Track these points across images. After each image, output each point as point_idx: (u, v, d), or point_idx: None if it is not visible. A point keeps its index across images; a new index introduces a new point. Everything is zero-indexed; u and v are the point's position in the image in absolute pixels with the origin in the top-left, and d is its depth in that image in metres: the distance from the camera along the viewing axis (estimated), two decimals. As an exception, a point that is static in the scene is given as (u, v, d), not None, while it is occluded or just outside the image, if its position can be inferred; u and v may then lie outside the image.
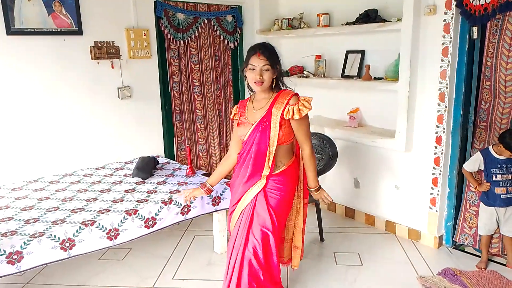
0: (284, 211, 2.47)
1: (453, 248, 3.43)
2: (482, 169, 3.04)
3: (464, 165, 3.14)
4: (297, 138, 2.39)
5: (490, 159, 2.99)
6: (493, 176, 2.98)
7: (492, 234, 3.13)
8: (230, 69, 4.65)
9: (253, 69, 2.25)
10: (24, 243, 2.29)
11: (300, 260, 2.75)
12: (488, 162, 2.99)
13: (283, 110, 2.27)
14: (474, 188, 3.14)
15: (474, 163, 3.07)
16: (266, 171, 2.35)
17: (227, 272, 2.46)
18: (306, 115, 2.32)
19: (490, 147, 3.02)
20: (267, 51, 2.26)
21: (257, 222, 2.37)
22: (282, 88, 2.40)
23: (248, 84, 2.36)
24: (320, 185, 2.54)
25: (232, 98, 4.74)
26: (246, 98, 2.49)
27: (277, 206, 2.39)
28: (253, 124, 2.34)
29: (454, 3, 2.99)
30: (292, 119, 2.29)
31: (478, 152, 3.08)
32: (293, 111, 2.26)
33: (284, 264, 2.74)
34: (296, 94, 2.33)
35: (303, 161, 2.47)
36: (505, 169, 2.96)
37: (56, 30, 3.30)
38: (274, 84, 2.34)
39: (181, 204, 2.92)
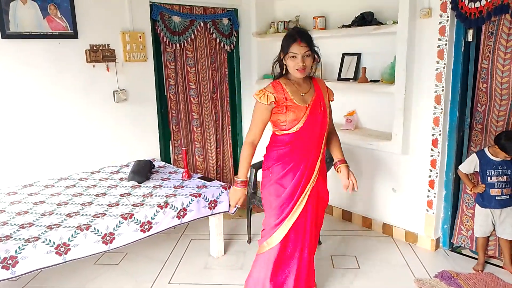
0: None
1: (450, 250, 3.43)
2: (478, 170, 3.05)
3: (459, 167, 3.15)
4: (330, 120, 2.50)
5: (486, 160, 2.99)
6: (488, 177, 2.98)
7: (489, 236, 3.13)
8: (227, 72, 4.65)
9: (294, 57, 2.23)
10: (19, 247, 2.27)
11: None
12: (483, 164, 3.00)
13: (327, 92, 2.45)
14: (470, 189, 3.14)
15: (470, 164, 3.07)
16: (321, 155, 2.42)
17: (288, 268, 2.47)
18: None
19: (486, 149, 3.02)
20: (306, 37, 2.25)
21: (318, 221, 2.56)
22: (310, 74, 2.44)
23: (281, 72, 2.35)
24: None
25: (228, 101, 4.74)
26: (269, 84, 2.34)
27: (325, 186, 2.55)
28: (307, 108, 2.29)
29: (449, 6, 3.00)
30: (331, 101, 2.48)
31: (474, 153, 3.08)
32: (332, 93, 2.50)
33: None
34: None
35: (335, 140, 2.55)
36: (500, 170, 2.97)
37: (51, 33, 3.28)
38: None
39: (177, 208, 2.91)
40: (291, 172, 2.34)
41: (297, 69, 2.24)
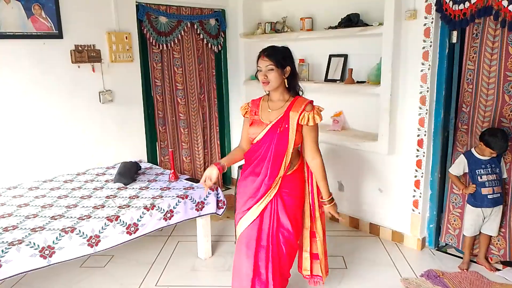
0: (299, 209, 2.53)
1: (436, 250, 3.47)
2: (467, 171, 3.08)
3: (449, 169, 3.18)
4: (307, 146, 2.41)
5: (474, 160, 3.03)
6: (478, 177, 3.01)
7: (476, 235, 3.17)
8: (214, 73, 4.64)
9: (260, 71, 2.34)
10: (2, 251, 2.23)
11: (326, 276, 2.70)
12: (472, 164, 3.03)
13: (300, 115, 2.33)
14: (461, 191, 3.16)
15: (459, 166, 3.11)
16: (281, 172, 2.39)
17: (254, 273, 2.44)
18: (317, 124, 2.38)
19: (473, 149, 3.06)
20: (272, 52, 2.34)
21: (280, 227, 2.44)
22: (299, 94, 2.46)
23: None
24: (332, 197, 2.50)
25: (216, 102, 4.72)
26: (258, 97, 2.54)
27: (293, 206, 2.46)
28: (267, 125, 2.37)
29: (434, 8, 3.03)
30: (306, 125, 2.34)
31: (461, 154, 3.12)
32: (308, 117, 2.32)
33: (306, 278, 2.73)
34: (311, 102, 2.39)
35: (314, 171, 2.47)
36: (489, 169, 3.00)
37: (35, 33, 3.24)
38: (288, 86, 2.39)
39: (163, 210, 2.89)
40: (250, 176, 2.45)
41: (262, 82, 2.36)
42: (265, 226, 2.42)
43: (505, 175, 3.05)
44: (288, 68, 2.35)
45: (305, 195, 2.58)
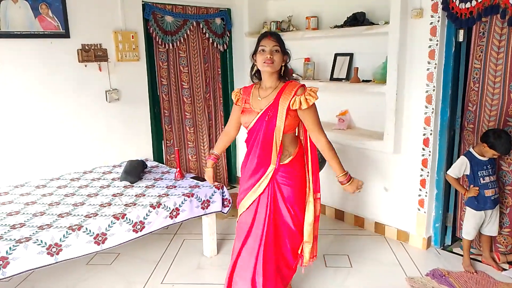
0: (300, 200, 2.49)
1: (441, 249, 3.46)
2: (467, 173, 3.05)
3: (448, 172, 3.13)
4: (309, 128, 2.38)
5: (475, 161, 3.00)
6: (481, 178, 2.98)
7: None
8: (220, 72, 4.65)
9: (263, 50, 2.30)
10: (10, 248, 2.25)
11: (313, 259, 2.65)
12: (474, 165, 3.00)
13: (290, 100, 2.28)
14: (463, 194, 3.13)
15: (460, 167, 3.05)
16: (274, 159, 2.36)
17: (233, 267, 2.49)
18: (314, 105, 2.33)
19: (472, 150, 3.03)
20: (277, 36, 2.34)
21: (281, 221, 2.44)
22: (288, 79, 2.43)
23: (253, 73, 2.45)
24: (347, 173, 2.40)
25: (221, 101, 4.73)
26: (250, 84, 2.54)
27: (293, 197, 2.44)
28: (258, 113, 2.36)
29: (440, 6, 3.02)
30: (300, 109, 2.30)
31: (462, 156, 3.09)
32: (300, 101, 2.27)
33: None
34: (303, 85, 2.35)
35: (323, 152, 2.42)
36: (490, 170, 2.98)
37: (42, 33, 3.26)
38: (282, 72, 2.38)
39: (169, 208, 2.90)
40: (249, 158, 2.47)
41: (264, 62, 2.28)
42: (260, 215, 2.42)
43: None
44: (286, 57, 2.36)
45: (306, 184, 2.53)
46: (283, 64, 2.37)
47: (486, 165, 2.97)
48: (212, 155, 2.72)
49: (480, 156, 2.97)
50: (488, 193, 2.98)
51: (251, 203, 2.44)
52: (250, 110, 2.41)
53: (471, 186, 3.05)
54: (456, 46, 3.14)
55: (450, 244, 3.49)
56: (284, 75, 2.41)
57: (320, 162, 3.42)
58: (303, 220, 2.53)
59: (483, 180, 2.98)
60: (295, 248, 2.55)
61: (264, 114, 2.34)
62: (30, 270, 2.35)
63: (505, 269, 3.08)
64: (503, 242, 3.16)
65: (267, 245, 2.42)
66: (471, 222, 3.08)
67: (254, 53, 2.38)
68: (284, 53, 2.34)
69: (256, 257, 2.42)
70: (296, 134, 2.51)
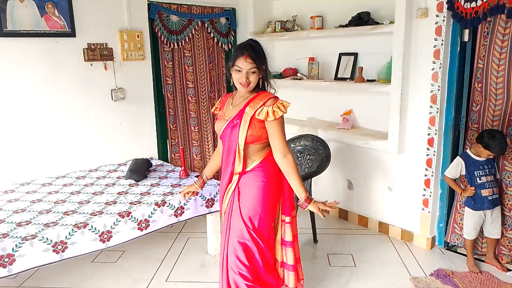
0: (266, 208, 2.27)
1: (446, 249, 3.46)
2: (464, 174, 3.05)
3: (445, 172, 3.14)
4: (272, 143, 2.24)
5: (471, 162, 3.01)
6: (477, 178, 2.99)
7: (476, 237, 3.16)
8: (224, 71, 4.66)
9: (239, 71, 2.18)
10: (16, 245, 2.27)
11: (301, 283, 2.49)
12: (469, 165, 3.01)
13: (257, 109, 2.18)
14: (460, 194, 3.15)
15: (456, 168, 3.07)
16: (238, 169, 2.27)
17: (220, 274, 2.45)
18: (281, 119, 2.20)
19: (468, 150, 3.04)
20: (254, 53, 2.18)
21: (234, 233, 2.27)
22: (266, 89, 2.32)
23: (233, 82, 2.29)
24: (309, 195, 2.23)
25: (226, 100, 4.74)
26: (230, 93, 2.47)
27: (248, 207, 2.26)
28: (227, 121, 2.29)
29: (445, 6, 3.02)
30: (266, 121, 2.18)
31: (458, 157, 3.10)
32: (267, 112, 2.16)
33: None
34: (275, 97, 2.23)
35: (284, 170, 2.25)
36: (487, 170, 2.99)
37: (49, 32, 3.29)
38: (261, 85, 2.29)
39: (174, 206, 2.92)
40: (222, 167, 2.43)
41: (240, 83, 2.21)
42: (223, 229, 2.37)
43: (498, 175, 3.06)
44: (264, 67, 2.22)
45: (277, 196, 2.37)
46: (260, 77, 2.25)
47: (483, 165, 2.97)
48: (201, 179, 2.57)
49: (476, 157, 2.98)
50: (485, 193, 2.98)
51: (224, 212, 2.40)
52: (221, 118, 2.34)
53: (468, 186, 3.06)
54: (461, 45, 3.13)
55: (454, 244, 3.48)
56: (261, 86, 2.29)
57: (321, 162, 3.44)
58: (265, 230, 2.30)
59: (480, 180, 2.98)
60: (254, 264, 2.30)
61: (230, 123, 2.26)
62: (36, 267, 2.37)
63: (509, 270, 3.07)
64: (508, 245, 3.14)
65: (228, 263, 2.33)
66: (470, 222, 3.10)
67: (231, 66, 2.22)
68: (262, 67, 2.20)
69: (221, 274, 2.37)
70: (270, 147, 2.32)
